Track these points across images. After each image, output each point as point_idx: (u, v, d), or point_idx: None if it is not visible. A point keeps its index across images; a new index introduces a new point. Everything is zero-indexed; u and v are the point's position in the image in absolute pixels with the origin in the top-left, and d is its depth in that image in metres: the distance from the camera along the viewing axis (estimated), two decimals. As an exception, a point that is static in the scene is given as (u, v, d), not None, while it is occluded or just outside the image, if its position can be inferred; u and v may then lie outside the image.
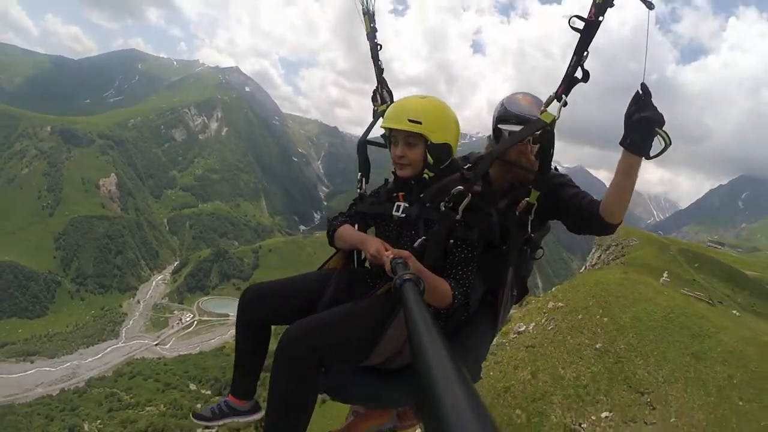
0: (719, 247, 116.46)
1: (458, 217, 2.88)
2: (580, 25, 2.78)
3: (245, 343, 3.19)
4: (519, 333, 23.26)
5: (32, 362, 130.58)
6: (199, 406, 70.55)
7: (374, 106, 3.87)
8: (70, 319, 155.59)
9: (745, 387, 14.11)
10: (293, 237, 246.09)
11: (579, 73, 2.87)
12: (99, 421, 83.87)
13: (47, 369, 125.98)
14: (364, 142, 3.65)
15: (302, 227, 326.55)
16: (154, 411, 71.92)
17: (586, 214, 3.17)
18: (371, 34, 3.88)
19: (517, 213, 3.26)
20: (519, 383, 18.29)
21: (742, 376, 14.58)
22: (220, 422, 3.31)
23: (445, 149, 3.04)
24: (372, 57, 3.90)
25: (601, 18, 2.75)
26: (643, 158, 2.76)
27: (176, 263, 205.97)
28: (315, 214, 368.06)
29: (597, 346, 18.72)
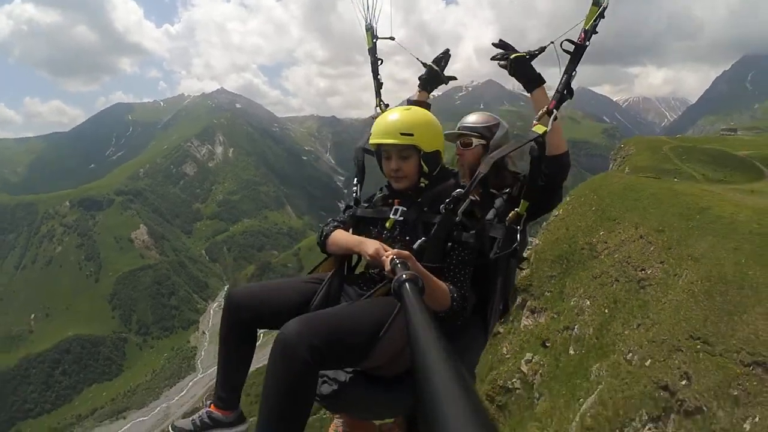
0: (732, 134, 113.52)
1: (457, 219, 2.96)
2: (571, 47, 3.07)
3: (230, 347, 3.09)
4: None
5: (125, 418, 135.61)
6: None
7: (373, 119, 3.82)
8: (146, 368, 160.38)
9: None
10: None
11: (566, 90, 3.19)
12: None
13: (141, 419, 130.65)
14: (362, 149, 3.76)
15: (330, 218, 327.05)
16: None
17: (539, 173, 3.34)
18: (373, 49, 4.04)
19: (507, 223, 3.38)
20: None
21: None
22: None
23: (436, 156, 3.15)
24: (372, 71, 4.08)
25: (587, 43, 3.07)
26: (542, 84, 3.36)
27: (226, 287, 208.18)
28: (339, 204, 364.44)
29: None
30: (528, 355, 17.50)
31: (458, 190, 2.97)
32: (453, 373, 0.94)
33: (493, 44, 3.38)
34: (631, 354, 12.43)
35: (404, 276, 1.93)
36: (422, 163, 3.06)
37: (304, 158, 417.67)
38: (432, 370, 0.97)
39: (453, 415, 0.81)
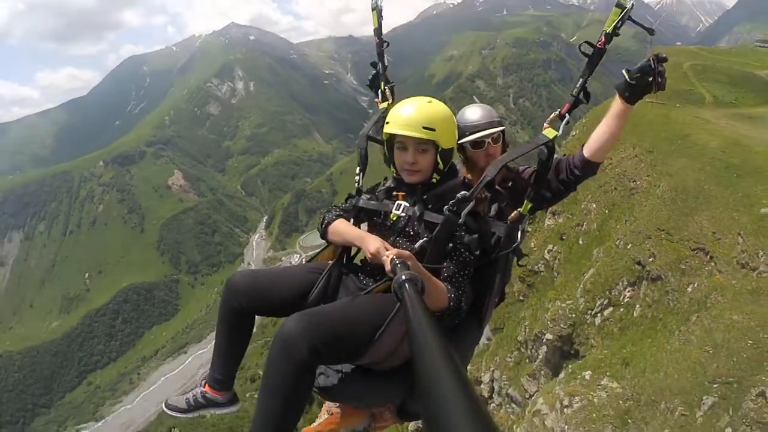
0: (766, 45, 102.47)
1: (461, 221, 2.90)
2: (590, 50, 3.03)
3: (228, 331, 3.06)
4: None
5: (186, 352, 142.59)
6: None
7: (377, 102, 3.90)
8: (199, 305, 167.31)
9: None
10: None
11: (582, 94, 3.10)
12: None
13: (200, 352, 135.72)
14: (366, 137, 3.65)
15: None
16: None
17: (566, 166, 3.38)
18: (378, 30, 3.91)
19: (508, 222, 3.31)
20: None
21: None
22: (196, 413, 3.21)
23: (451, 154, 3.10)
24: (377, 53, 3.91)
25: (607, 46, 3.00)
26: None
27: (265, 218, 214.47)
28: (365, 124, 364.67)
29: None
30: (549, 246, 23.83)
31: (463, 192, 2.94)
32: (453, 373, 0.95)
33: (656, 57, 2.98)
34: (618, 241, 17.60)
35: (404, 276, 1.95)
36: (438, 159, 3.01)
37: (326, 82, 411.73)
38: (432, 371, 0.98)
39: (454, 416, 0.81)
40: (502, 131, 3.68)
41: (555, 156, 3.33)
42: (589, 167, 3.30)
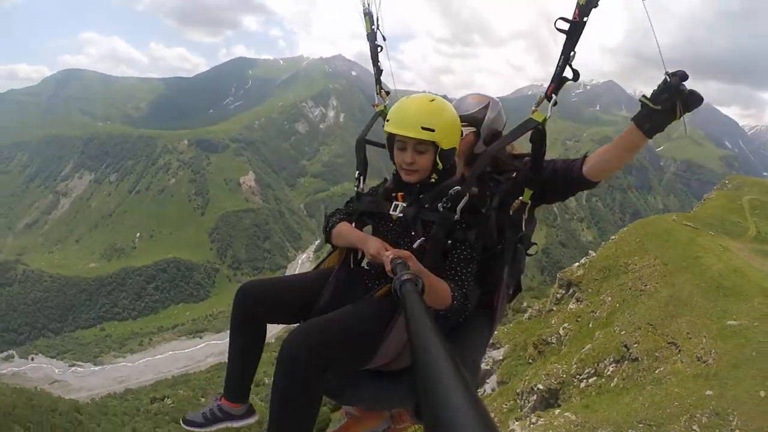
0: None
1: (457, 218, 2.86)
2: (566, 26, 2.79)
3: (240, 342, 3.13)
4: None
5: (201, 337, 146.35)
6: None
7: (373, 106, 3.92)
8: (230, 298, 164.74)
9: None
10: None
11: (569, 73, 2.91)
12: None
13: (215, 342, 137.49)
14: (363, 140, 3.72)
15: None
16: None
17: (564, 175, 3.23)
18: (371, 35, 3.85)
19: (510, 212, 3.30)
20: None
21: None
22: (214, 428, 3.22)
23: (452, 154, 3.04)
24: (371, 58, 3.92)
25: (585, 18, 2.76)
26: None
27: (317, 242, 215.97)
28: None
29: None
30: (565, 324, 26.33)
31: (456, 188, 2.88)
32: (454, 375, 0.94)
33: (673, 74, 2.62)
34: (617, 327, 20.24)
35: (404, 276, 1.94)
36: (437, 159, 2.94)
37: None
38: (432, 370, 0.97)
39: (453, 415, 0.81)
40: (476, 131, 3.65)
41: (557, 157, 3.36)
42: (587, 184, 3.21)
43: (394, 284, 1.95)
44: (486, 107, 3.65)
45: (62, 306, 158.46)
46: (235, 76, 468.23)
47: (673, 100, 2.59)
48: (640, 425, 11.75)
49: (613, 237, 32.85)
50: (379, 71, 3.95)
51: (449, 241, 2.86)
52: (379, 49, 3.88)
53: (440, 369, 0.97)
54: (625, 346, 18.86)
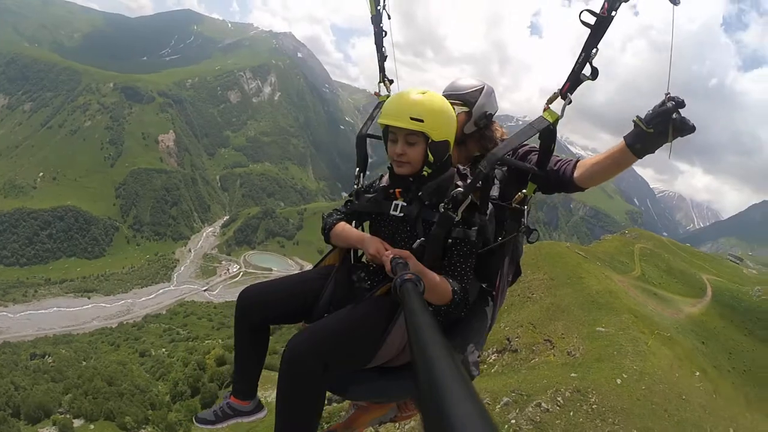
0: (737, 261, 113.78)
1: (457, 218, 2.83)
2: (591, 20, 2.66)
3: (245, 344, 3.18)
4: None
5: (89, 298, 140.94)
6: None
7: (376, 94, 3.88)
8: (125, 261, 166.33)
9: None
10: (336, 202, 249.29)
11: (588, 71, 2.78)
12: (164, 349, 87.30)
13: (103, 305, 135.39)
14: (364, 136, 3.69)
15: (344, 194, 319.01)
16: (212, 345, 73.49)
17: (555, 176, 3.24)
18: (376, 17, 3.74)
19: (513, 205, 3.29)
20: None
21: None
22: (225, 424, 3.31)
23: (445, 146, 2.92)
24: (375, 43, 3.80)
25: (614, 13, 2.64)
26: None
27: (226, 218, 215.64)
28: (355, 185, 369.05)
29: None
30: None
31: (458, 189, 2.84)
32: (453, 374, 0.94)
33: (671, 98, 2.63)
34: (502, 324, 23.44)
35: (404, 276, 1.93)
36: (428, 151, 2.86)
37: (342, 127, 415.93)
38: (431, 370, 0.97)
39: (453, 413, 0.81)
40: (468, 110, 3.66)
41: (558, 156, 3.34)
42: (574, 189, 3.25)
43: (394, 284, 1.93)
44: (479, 91, 3.68)
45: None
46: (178, 28, 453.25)
47: (666, 124, 2.60)
48: (513, 394, 14.85)
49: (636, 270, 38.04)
50: (383, 57, 3.85)
51: (449, 240, 2.86)
52: (383, 33, 3.79)
53: (439, 368, 0.97)
54: (508, 339, 21.71)
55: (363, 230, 3.35)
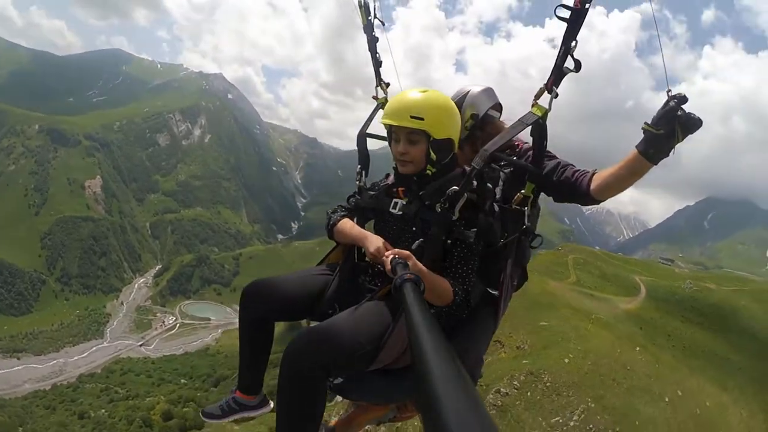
0: (668, 263, 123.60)
1: (455, 217, 2.84)
2: (566, 14, 2.74)
3: (249, 339, 3.19)
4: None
5: (18, 359, 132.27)
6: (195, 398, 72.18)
7: (374, 98, 3.93)
8: (54, 318, 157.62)
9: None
10: (272, 245, 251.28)
11: (571, 64, 2.85)
12: (104, 410, 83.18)
13: (34, 366, 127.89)
14: (363, 135, 3.69)
15: (280, 236, 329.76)
16: (156, 401, 72.68)
17: (571, 187, 3.22)
18: (368, 26, 3.86)
19: (513, 206, 3.30)
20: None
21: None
22: (230, 418, 3.37)
23: (447, 144, 2.95)
24: (369, 50, 3.89)
25: (587, 5, 2.70)
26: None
27: (158, 267, 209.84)
28: (292, 224, 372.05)
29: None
30: None
31: (453, 188, 2.84)
32: (453, 375, 0.95)
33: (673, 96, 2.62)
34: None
35: (404, 276, 1.94)
36: (430, 150, 2.90)
37: (274, 169, 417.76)
38: (431, 370, 0.98)
39: (452, 414, 0.82)
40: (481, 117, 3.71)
41: (562, 161, 3.36)
42: (590, 201, 3.22)
43: (394, 284, 1.95)
44: (465, 95, 3.74)
45: None
46: (106, 68, 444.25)
47: (672, 123, 2.60)
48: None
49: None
50: (378, 63, 3.91)
51: (449, 241, 2.86)
52: (376, 40, 3.88)
53: (439, 369, 0.97)
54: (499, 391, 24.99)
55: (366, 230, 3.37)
